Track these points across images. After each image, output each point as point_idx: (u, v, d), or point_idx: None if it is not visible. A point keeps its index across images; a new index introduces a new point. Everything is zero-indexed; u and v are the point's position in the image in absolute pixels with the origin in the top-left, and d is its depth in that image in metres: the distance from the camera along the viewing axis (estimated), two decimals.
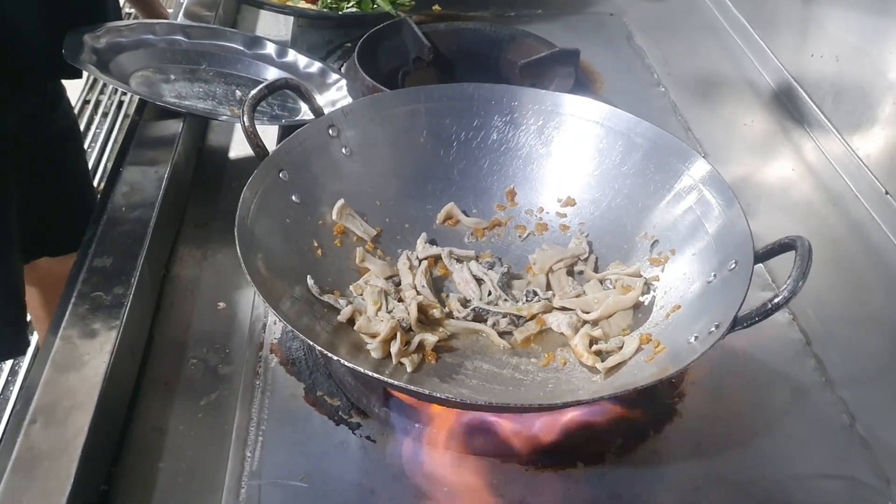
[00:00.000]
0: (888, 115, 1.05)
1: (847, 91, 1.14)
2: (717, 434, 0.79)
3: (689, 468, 0.76)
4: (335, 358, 0.66)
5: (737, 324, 0.68)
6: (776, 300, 0.67)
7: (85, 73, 1.11)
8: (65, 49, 1.07)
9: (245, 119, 0.83)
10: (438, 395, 0.66)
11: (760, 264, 0.96)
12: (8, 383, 1.58)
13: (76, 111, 2.62)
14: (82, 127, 2.51)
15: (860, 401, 0.82)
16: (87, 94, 2.66)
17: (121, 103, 2.70)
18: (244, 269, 0.71)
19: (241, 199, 0.78)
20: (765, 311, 0.68)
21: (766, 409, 0.82)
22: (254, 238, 0.77)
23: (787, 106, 1.26)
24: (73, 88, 2.61)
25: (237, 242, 0.74)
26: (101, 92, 2.69)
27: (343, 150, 0.92)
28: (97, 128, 2.55)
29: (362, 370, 0.66)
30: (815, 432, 0.80)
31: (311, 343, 0.68)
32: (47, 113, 1.27)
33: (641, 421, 0.79)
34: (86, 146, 2.45)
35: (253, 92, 0.85)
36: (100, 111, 2.61)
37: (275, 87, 0.88)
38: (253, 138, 0.84)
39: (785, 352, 0.88)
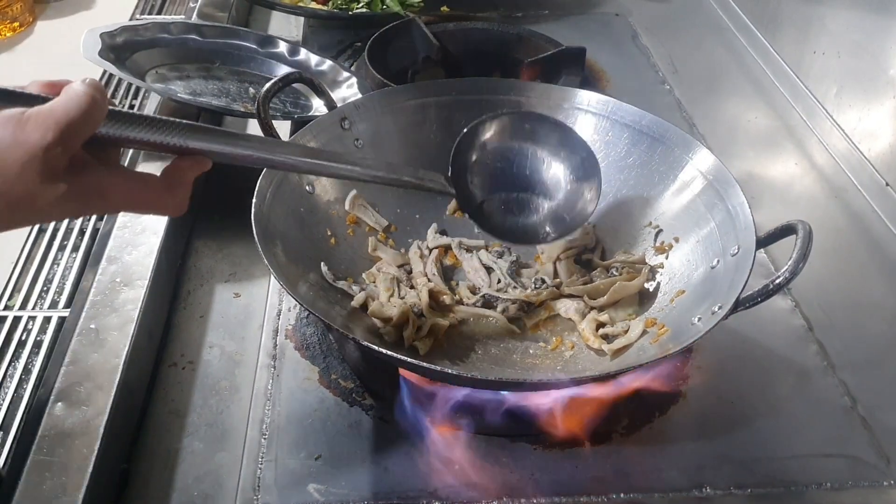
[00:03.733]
0: (888, 109, 1.07)
1: (849, 87, 1.16)
2: (721, 415, 0.81)
3: (693, 448, 0.78)
4: (352, 337, 0.69)
5: (739, 305, 0.70)
6: (777, 280, 0.69)
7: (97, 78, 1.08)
8: (82, 47, 1.09)
9: (261, 111, 0.86)
10: (451, 371, 0.68)
11: (763, 255, 0.99)
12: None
13: None
14: None
15: (861, 384, 0.84)
16: None
17: (132, 107, 2.72)
18: (262, 253, 0.73)
19: (257, 188, 0.80)
20: (767, 292, 0.70)
21: (769, 391, 0.84)
22: (269, 224, 0.80)
23: (790, 102, 1.28)
24: None
25: (254, 228, 0.76)
26: (113, 95, 2.71)
27: (356, 142, 0.94)
28: None
29: (378, 348, 0.68)
30: (817, 414, 0.82)
31: (329, 324, 0.71)
32: None
33: (647, 403, 0.81)
34: None
35: (268, 85, 0.87)
36: None
37: (289, 80, 0.90)
38: (268, 129, 0.86)
39: (788, 338, 0.90)
